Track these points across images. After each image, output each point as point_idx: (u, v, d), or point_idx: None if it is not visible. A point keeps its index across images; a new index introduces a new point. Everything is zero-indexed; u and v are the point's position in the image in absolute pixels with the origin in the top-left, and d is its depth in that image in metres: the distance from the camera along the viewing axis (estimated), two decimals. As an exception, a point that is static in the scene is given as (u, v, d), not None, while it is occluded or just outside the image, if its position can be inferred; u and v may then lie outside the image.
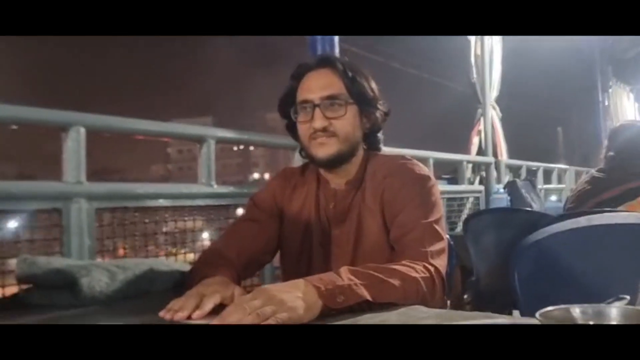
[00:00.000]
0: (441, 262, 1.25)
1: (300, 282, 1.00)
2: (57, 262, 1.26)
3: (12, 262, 1.46)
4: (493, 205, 3.21)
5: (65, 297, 1.18)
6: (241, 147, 57.92)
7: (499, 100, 4.71)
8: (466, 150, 4.71)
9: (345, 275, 1.03)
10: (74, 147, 1.59)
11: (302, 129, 1.34)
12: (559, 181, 5.67)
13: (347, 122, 1.32)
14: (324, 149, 1.31)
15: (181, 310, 0.99)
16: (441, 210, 1.35)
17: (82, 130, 1.61)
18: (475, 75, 4.51)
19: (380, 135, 1.44)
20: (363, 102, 1.35)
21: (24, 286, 1.25)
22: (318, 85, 1.32)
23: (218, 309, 1.00)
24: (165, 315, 1.00)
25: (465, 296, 3.28)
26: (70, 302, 1.17)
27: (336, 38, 2.60)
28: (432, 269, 1.19)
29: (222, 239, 1.42)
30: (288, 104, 1.38)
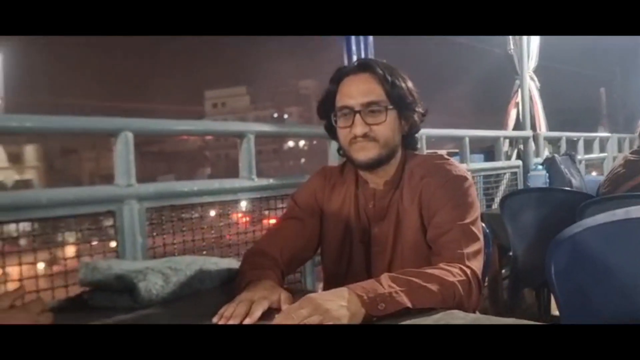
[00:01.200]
0: (477, 264, 1.28)
1: (344, 290, 1.06)
2: (116, 266, 1.35)
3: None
4: (531, 182, 3.19)
5: (125, 300, 1.28)
6: (275, 114, 58.19)
7: (537, 71, 4.61)
8: (504, 122, 4.65)
9: (385, 283, 1.08)
10: (124, 152, 1.68)
11: (342, 134, 1.37)
12: (602, 149, 5.55)
13: (387, 127, 1.34)
14: (364, 153, 1.34)
15: (233, 318, 1.06)
16: (478, 211, 1.37)
17: (130, 135, 1.70)
18: (512, 46, 4.41)
19: (417, 135, 1.47)
20: (402, 106, 1.37)
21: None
22: (358, 91, 1.34)
23: (265, 312, 1.08)
24: (218, 322, 1.07)
25: (503, 271, 3.32)
26: (130, 305, 1.27)
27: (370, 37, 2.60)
28: (468, 271, 1.22)
29: (266, 238, 1.48)
30: (327, 107, 1.41)
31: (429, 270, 1.18)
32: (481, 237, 1.35)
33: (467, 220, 1.32)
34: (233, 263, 1.52)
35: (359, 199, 1.43)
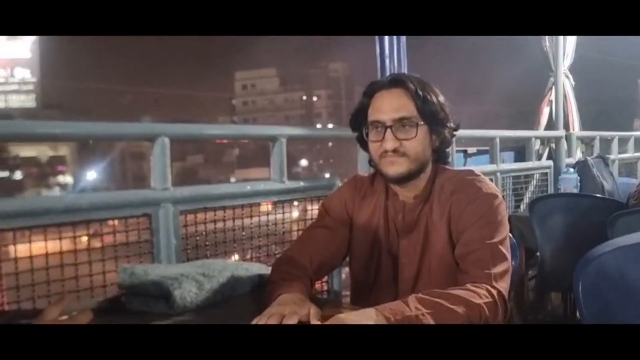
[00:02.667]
0: (504, 285, 1.29)
1: (371, 311, 1.09)
2: (153, 271, 1.41)
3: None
4: (562, 185, 3.16)
5: (161, 306, 1.34)
6: (304, 97, 58.08)
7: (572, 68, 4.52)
8: (536, 120, 4.58)
9: (412, 305, 1.11)
10: (160, 156, 1.74)
11: (373, 147, 1.39)
12: (637, 148, 5.43)
13: (417, 142, 1.35)
14: (395, 168, 1.35)
15: None
16: (507, 229, 1.38)
17: (167, 140, 1.75)
18: (547, 43, 4.33)
19: (449, 150, 1.48)
20: (433, 122, 1.38)
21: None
22: (390, 107, 1.35)
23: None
24: None
25: (530, 272, 3.31)
26: (165, 311, 1.32)
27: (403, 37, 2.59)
28: (495, 292, 1.24)
29: (296, 246, 1.50)
30: (359, 120, 1.42)
31: (456, 292, 1.20)
32: (509, 256, 1.35)
33: (496, 240, 1.32)
34: (263, 269, 1.56)
35: (389, 210, 1.45)
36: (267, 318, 1.13)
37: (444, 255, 1.38)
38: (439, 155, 1.45)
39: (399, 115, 1.34)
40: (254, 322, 1.12)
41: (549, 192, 3.84)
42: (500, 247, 1.33)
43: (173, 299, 1.32)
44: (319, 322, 1.11)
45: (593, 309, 1.49)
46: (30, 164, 35.60)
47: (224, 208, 1.93)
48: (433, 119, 1.37)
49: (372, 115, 1.38)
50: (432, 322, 1.09)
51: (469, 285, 1.23)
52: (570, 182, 3.11)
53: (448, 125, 1.41)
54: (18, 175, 34.29)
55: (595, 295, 1.51)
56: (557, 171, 3.90)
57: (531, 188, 3.83)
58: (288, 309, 1.15)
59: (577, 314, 2.70)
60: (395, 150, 1.34)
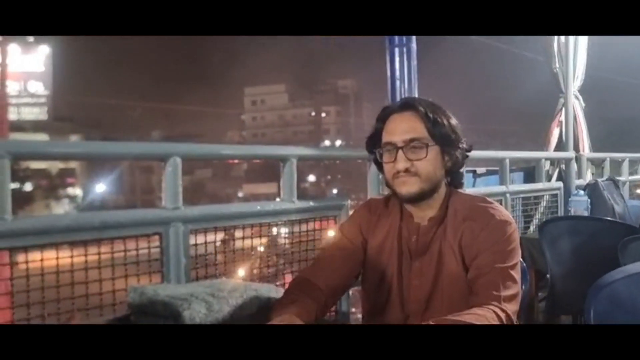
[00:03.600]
0: (513, 307, 1.32)
1: None
2: (162, 292, 1.41)
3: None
4: (573, 207, 3.14)
5: (170, 326, 1.34)
6: (313, 113, 58.26)
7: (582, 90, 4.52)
8: (546, 141, 4.57)
9: None
10: (172, 176, 1.75)
11: (387, 169, 1.43)
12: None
13: (428, 163, 1.39)
14: (407, 187, 1.39)
15: None
16: (519, 255, 1.41)
17: (179, 159, 1.76)
18: (558, 64, 4.33)
19: (462, 171, 1.51)
20: (444, 143, 1.41)
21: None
22: (401, 129, 1.40)
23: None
24: None
25: (540, 293, 3.28)
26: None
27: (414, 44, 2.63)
28: (503, 315, 1.26)
29: (311, 268, 1.52)
30: (374, 144, 1.47)
31: (465, 317, 1.22)
32: (519, 280, 1.37)
33: (507, 264, 1.36)
34: (272, 290, 1.56)
35: (402, 232, 1.47)
36: None
37: (456, 279, 1.40)
38: (453, 177, 1.47)
39: (409, 137, 1.38)
40: None
41: (558, 213, 3.81)
42: (511, 271, 1.36)
43: (182, 320, 1.32)
44: None
45: (604, 336, 1.49)
46: (41, 176, 35.87)
47: (233, 227, 1.94)
48: (444, 140, 1.41)
49: (385, 138, 1.43)
50: None
51: (477, 310, 1.26)
52: (580, 205, 3.09)
53: (460, 146, 1.44)
54: (28, 187, 34.54)
55: (607, 320, 1.50)
56: (567, 193, 3.88)
57: (541, 209, 3.81)
58: None
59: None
60: (407, 170, 1.38)
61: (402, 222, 1.48)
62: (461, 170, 1.52)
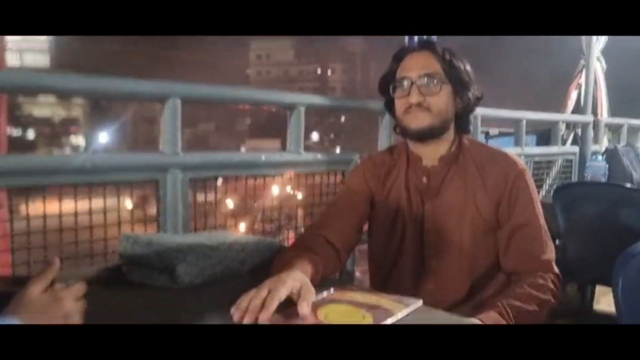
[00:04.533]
0: (556, 267, 1.36)
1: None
2: (157, 242, 1.30)
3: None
4: (589, 172, 3.00)
5: (164, 279, 1.23)
6: (319, 71, 57.51)
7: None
8: (563, 103, 4.41)
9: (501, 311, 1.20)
10: (171, 119, 1.61)
11: (399, 104, 1.42)
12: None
13: (440, 99, 1.39)
14: (417, 121, 1.38)
15: (248, 313, 0.99)
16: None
17: (178, 101, 1.62)
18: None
19: (471, 117, 1.49)
20: (458, 83, 1.41)
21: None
22: (417, 65, 1.41)
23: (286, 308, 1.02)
24: (234, 314, 1.00)
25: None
26: (168, 285, 1.22)
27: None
28: (557, 282, 1.33)
29: (319, 223, 1.45)
30: (388, 82, 1.46)
31: (527, 290, 1.27)
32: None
33: (542, 222, 1.37)
34: (275, 244, 1.46)
35: (410, 177, 1.44)
36: (253, 294, 1.03)
37: (473, 221, 1.37)
38: (461, 121, 1.45)
39: (424, 72, 1.39)
40: (240, 300, 1.02)
41: (572, 179, 3.68)
42: (547, 230, 1.38)
43: (177, 273, 1.22)
44: (306, 308, 1.02)
45: (633, 306, 1.39)
46: (43, 123, 35.68)
47: (236, 177, 1.81)
48: (457, 80, 1.41)
49: (400, 74, 1.42)
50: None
51: (535, 280, 1.30)
52: (598, 170, 2.95)
53: (472, 90, 1.44)
54: (30, 134, 34.40)
55: (636, 293, 1.41)
56: (582, 158, 3.74)
57: (552, 174, 3.67)
58: (280, 285, 1.04)
59: (593, 304, 2.62)
60: (419, 105, 1.38)
61: (409, 168, 1.45)
62: (470, 115, 1.50)
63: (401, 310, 1.06)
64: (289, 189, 2.07)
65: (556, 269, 1.35)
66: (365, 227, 1.51)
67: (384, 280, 1.45)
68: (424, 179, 1.42)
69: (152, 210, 1.61)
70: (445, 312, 1.10)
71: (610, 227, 2.49)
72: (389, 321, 1.01)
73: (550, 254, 1.35)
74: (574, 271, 2.84)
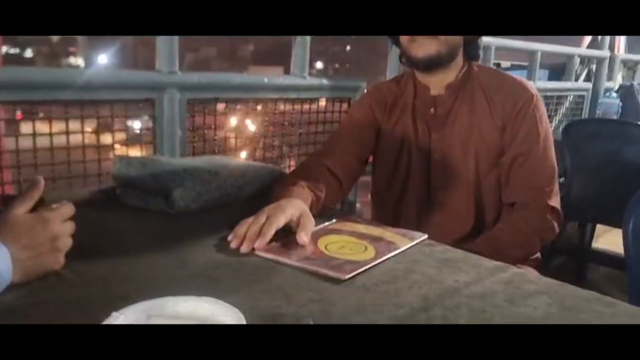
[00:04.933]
0: (558, 199, 1.29)
1: None
2: (152, 164, 1.24)
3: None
4: (601, 109, 2.91)
5: (159, 203, 1.19)
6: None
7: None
8: (579, 37, 4.23)
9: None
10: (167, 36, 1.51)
11: None
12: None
13: None
14: (424, 49, 1.30)
15: (245, 241, 0.96)
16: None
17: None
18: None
19: (480, 43, 1.41)
20: None
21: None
22: None
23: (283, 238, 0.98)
24: (231, 242, 0.97)
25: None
26: (164, 209, 1.18)
27: None
28: (554, 216, 1.26)
29: (321, 151, 1.40)
30: None
31: (520, 227, 1.23)
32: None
33: (551, 153, 1.30)
34: (275, 171, 1.40)
35: (417, 107, 1.38)
36: (251, 221, 0.99)
37: (483, 150, 1.32)
38: (470, 48, 1.37)
39: None
40: (238, 227, 0.99)
41: (583, 116, 3.58)
42: (554, 162, 1.31)
43: (173, 198, 1.17)
44: (305, 236, 0.98)
45: (641, 248, 1.36)
46: (41, 42, 34.87)
47: (237, 101, 1.73)
48: None
49: None
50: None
51: (528, 214, 1.25)
52: (611, 108, 2.86)
53: None
54: (29, 52, 33.71)
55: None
56: (595, 95, 3.62)
57: (562, 110, 3.57)
58: (278, 212, 1.00)
59: (592, 243, 2.60)
60: None
61: (417, 98, 1.38)
62: (479, 43, 1.42)
63: (405, 244, 1.02)
64: (292, 116, 1.99)
65: (555, 203, 1.28)
66: (370, 159, 1.45)
67: (388, 215, 1.40)
68: (431, 109, 1.36)
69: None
70: (451, 246, 1.05)
71: (619, 167, 2.43)
72: (392, 254, 0.97)
73: (551, 186, 1.28)
74: (577, 209, 2.80)
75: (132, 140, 1.55)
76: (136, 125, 1.57)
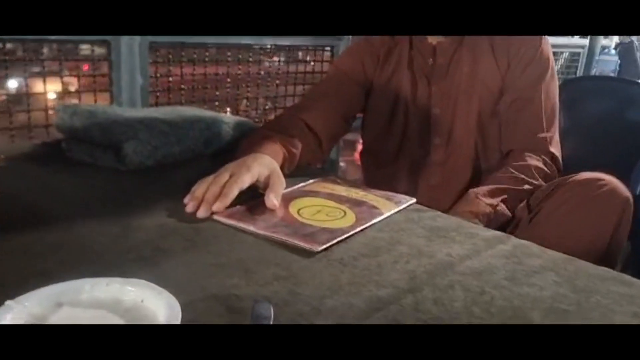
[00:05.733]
0: (559, 147, 1.20)
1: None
2: (102, 114, 1.08)
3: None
4: (598, 67, 2.77)
5: (109, 158, 1.04)
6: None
7: None
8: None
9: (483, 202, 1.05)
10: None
11: None
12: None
13: None
14: None
15: (203, 204, 0.82)
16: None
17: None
18: None
19: None
20: None
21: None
22: None
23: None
24: (187, 204, 0.83)
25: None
26: (115, 165, 1.03)
27: None
28: (552, 163, 1.16)
29: (300, 105, 1.25)
30: None
31: (515, 174, 1.11)
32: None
33: (554, 97, 1.20)
34: (247, 124, 1.25)
35: (414, 59, 1.24)
36: (210, 180, 0.85)
37: (481, 99, 1.19)
38: None
39: None
40: (196, 186, 0.85)
41: (577, 74, 3.44)
42: (556, 108, 1.21)
43: (124, 152, 1.02)
44: (274, 199, 0.85)
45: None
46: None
47: (206, 46, 1.55)
48: None
49: None
50: (506, 211, 1.06)
51: (524, 163, 1.12)
52: (608, 65, 2.72)
53: None
54: None
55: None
56: (591, 52, 3.47)
57: (557, 67, 3.42)
58: (243, 170, 0.86)
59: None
60: None
61: (413, 49, 1.24)
62: None
63: (390, 209, 0.89)
64: (268, 66, 1.82)
65: (553, 150, 1.17)
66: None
67: (380, 178, 1.26)
68: (430, 60, 1.22)
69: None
70: (442, 212, 0.92)
71: (615, 126, 2.31)
72: (375, 221, 0.83)
73: (550, 133, 1.17)
74: (567, 169, 2.70)
75: (84, 88, 1.37)
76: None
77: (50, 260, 0.66)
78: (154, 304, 0.47)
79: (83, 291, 0.49)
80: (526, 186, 1.10)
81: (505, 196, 1.07)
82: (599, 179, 0.98)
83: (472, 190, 1.09)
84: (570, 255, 0.77)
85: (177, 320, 0.44)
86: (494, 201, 1.06)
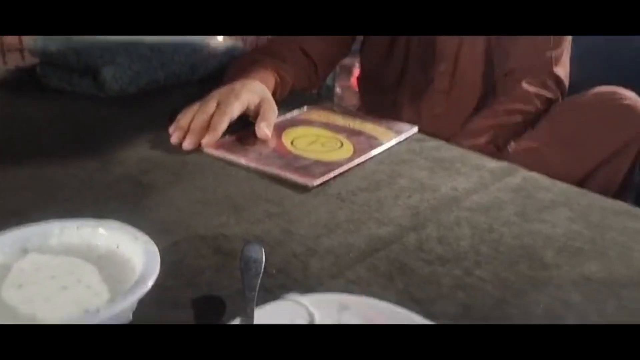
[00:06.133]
0: (566, 70, 1.05)
1: None
2: (79, 37, 0.99)
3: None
4: None
5: (87, 85, 0.96)
6: None
7: None
8: None
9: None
10: None
11: None
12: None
13: None
14: None
15: (189, 135, 0.75)
16: None
17: None
18: None
19: None
20: None
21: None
22: None
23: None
24: (172, 134, 0.76)
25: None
26: (93, 92, 0.95)
27: None
28: (555, 87, 1.02)
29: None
30: None
31: (507, 107, 1.01)
32: None
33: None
34: (237, 47, 1.16)
35: None
36: (196, 109, 0.78)
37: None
38: None
39: None
40: (180, 116, 0.78)
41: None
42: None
43: (102, 78, 0.94)
44: (266, 128, 0.78)
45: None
46: None
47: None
48: None
49: None
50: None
51: (521, 89, 1.01)
52: None
53: None
54: None
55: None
56: None
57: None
58: (232, 98, 0.79)
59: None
60: None
61: None
62: None
63: (390, 139, 0.83)
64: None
65: (559, 71, 1.04)
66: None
67: (380, 105, 1.18)
68: None
69: None
70: (446, 142, 0.86)
71: (623, 50, 2.22)
72: (374, 152, 0.78)
73: (557, 51, 1.03)
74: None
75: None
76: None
77: (23, 198, 0.61)
78: (131, 250, 0.42)
79: (52, 235, 0.44)
80: (519, 116, 1.00)
81: (491, 132, 0.99)
82: (616, 92, 0.89)
83: (457, 132, 1.01)
84: (580, 184, 0.72)
85: (155, 270, 0.39)
86: (477, 142, 0.97)
